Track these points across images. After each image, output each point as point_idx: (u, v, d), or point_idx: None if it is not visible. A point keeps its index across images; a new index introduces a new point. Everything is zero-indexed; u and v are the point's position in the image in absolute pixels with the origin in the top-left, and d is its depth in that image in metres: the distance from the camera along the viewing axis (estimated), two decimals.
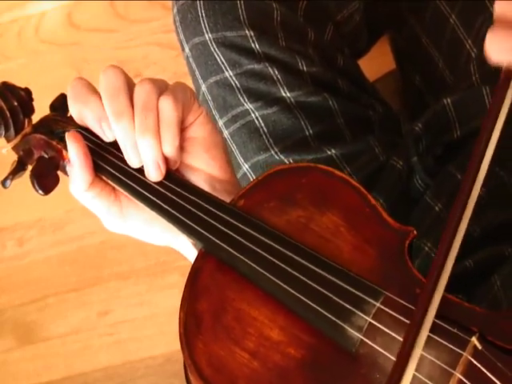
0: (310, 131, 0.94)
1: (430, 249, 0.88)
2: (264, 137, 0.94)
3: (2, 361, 1.61)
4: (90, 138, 0.72)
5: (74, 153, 0.70)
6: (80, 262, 1.64)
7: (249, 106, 0.93)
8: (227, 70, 0.92)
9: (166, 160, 0.69)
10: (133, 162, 0.69)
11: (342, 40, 1.00)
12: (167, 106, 0.68)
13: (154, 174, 0.69)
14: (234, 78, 0.92)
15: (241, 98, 0.93)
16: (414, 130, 0.96)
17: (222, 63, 0.92)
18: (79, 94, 0.70)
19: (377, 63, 1.21)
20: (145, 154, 0.68)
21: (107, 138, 0.70)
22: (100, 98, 0.69)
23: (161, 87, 0.69)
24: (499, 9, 0.59)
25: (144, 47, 1.66)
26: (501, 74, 0.61)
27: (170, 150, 0.68)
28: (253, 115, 0.93)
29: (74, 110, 0.71)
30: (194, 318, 0.63)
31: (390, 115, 1.02)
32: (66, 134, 0.70)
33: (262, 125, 0.94)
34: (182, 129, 0.71)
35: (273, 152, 0.93)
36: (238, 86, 0.93)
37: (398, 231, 0.65)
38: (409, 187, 0.95)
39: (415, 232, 0.64)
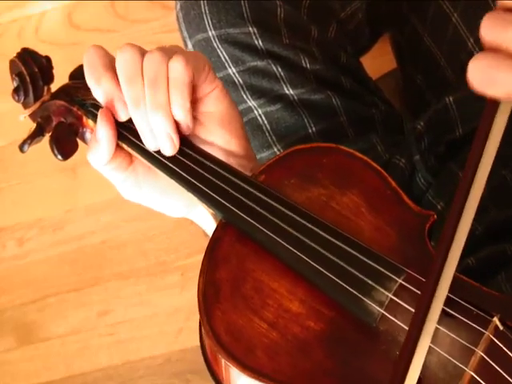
0: (313, 129, 0.94)
1: (433, 247, 0.88)
2: (267, 134, 0.94)
3: (2, 361, 1.60)
4: None
5: (104, 133, 0.68)
6: (80, 261, 1.64)
7: (252, 103, 0.93)
8: (230, 67, 0.92)
9: (178, 126, 0.68)
10: (151, 145, 0.69)
11: (345, 38, 1.00)
12: (177, 66, 0.66)
13: (168, 149, 0.68)
14: (237, 75, 0.92)
15: (244, 95, 0.93)
16: (416, 129, 0.96)
17: (225, 60, 0.92)
18: (93, 69, 0.69)
19: (378, 62, 1.21)
20: (157, 129, 0.67)
21: (120, 117, 0.69)
22: (114, 74, 0.68)
23: (171, 53, 0.68)
24: (486, 36, 0.58)
25: (144, 47, 1.65)
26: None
27: (180, 112, 0.67)
28: (256, 112, 0.93)
29: (90, 86, 0.70)
30: (212, 286, 0.63)
31: (392, 114, 1.02)
32: (99, 112, 0.69)
33: (265, 122, 0.94)
34: (197, 99, 0.70)
35: (276, 149, 0.94)
36: (241, 82, 0.93)
37: (418, 215, 0.65)
38: (411, 186, 0.95)
39: (435, 216, 0.65)
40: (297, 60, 0.93)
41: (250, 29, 0.91)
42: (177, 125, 0.68)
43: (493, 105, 0.57)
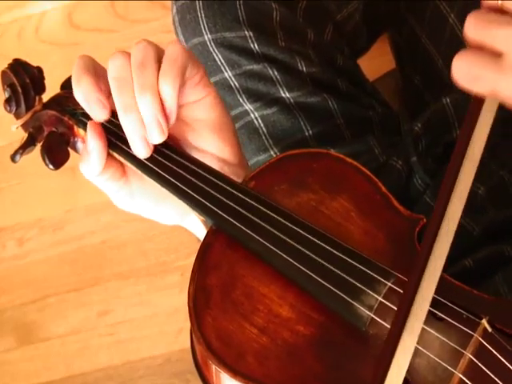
0: (310, 132, 0.94)
1: None
2: (263, 137, 0.94)
3: (2, 361, 1.60)
4: None
5: (94, 145, 0.69)
6: (80, 262, 1.64)
7: (248, 106, 0.93)
8: (226, 71, 0.92)
9: (172, 136, 0.68)
10: (140, 153, 0.68)
11: (341, 40, 1.00)
12: (174, 46, 0.66)
13: (155, 134, 0.66)
14: (233, 79, 0.92)
15: (240, 99, 0.93)
16: (413, 130, 0.96)
17: (222, 64, 0.92)
18: (75, 73, 0.69)
19: (376, 63, 1.21)
20: (145, 113, 0.66)
21: (98, 117, 0.68)
22: (94, 76, 0.68)
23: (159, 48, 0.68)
24: (470, 34, 0.58)
25: None
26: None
27: (169, 91, 0.66)
28: (252, 116, 0.93)
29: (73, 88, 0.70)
30: (203, 293, 0.63)
31: (389, 115, 1.02)
32: (88, 124, 0.69)
33: (262, 125, 0.94)
34: (190, 103, 0.69)
35: (272, 152, 0.94)
36: (238, 86, 0.93)
37: (408, 219, 0.66)
38: (408, 187, 0.95)
39: (425, 220, 0.65)
40: (293, 63, 0.93)
41: (246, 32, 0.91)
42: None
43: (478, 102, 0.58)
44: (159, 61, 0.67)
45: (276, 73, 0.92)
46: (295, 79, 0.93)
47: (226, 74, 0.92)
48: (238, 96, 0.93)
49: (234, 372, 0.59)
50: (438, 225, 0.58)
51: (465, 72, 0.55)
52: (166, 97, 0.66)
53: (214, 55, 0.91)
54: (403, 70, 1.12)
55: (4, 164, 1.72)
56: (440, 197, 0.59)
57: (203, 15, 0.91)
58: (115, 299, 1.60)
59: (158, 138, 0.67)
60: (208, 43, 0.91)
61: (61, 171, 1.76)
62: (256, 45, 0.91)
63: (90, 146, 0.69)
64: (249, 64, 0.91)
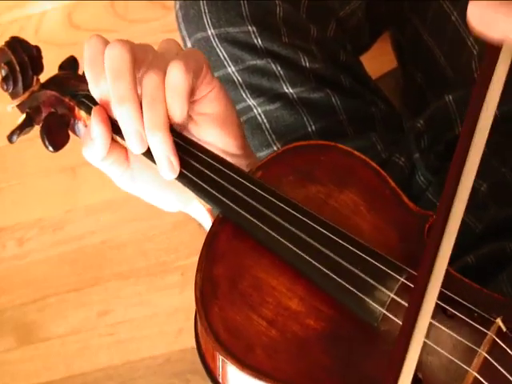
0: (313, 127, 0.94)
1: None
2: (266, 133, 0.94)
3: (2, 361, 1.60)
4: None
5: (99, 131, 0.67)
6: (80, 262, 1.64)
7: (251, 101, 0.93)
8: (230, 66, 0.92)
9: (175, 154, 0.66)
10: (135, 149, 0.65)
11: (344, 36, 1.00)
12: (176, 73, 0.64)
13: (166, 171, 0.66)
14: (236, 74, 0.92)
15: (243, 94, 0.93)
16: (415, 127, 0.96)
17: (225, 59, 0.92)
18: (94, 65, 0.66)
19: (378, 62, 1.21)
20: (155, 151, 0.65)
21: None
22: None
23: (169, 58, 0.65)
24: None
25: None
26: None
27: (177, 119, 0.65)
28: (255, 111, 0.93)
29: (89, 82, 0.67)
30: (210, 283, 0.62)
31: (392, 112, 1.02)
32: (93, 110, 0.67)
33: (265, 121, 0.94)
34: (195, 100, 0.68)
35: (275, 148, 0.93)
36: (241, 81, 0.92)
37: (417, 215, 0.65)
38: (411, 184, 0.95)
39: (435, 216, 0.63)
40: (296, 59, 0.93)
41: (250, 28, 0.91)
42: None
43: (493, 52, 0.57)
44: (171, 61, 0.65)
45: (279, 68, 0.92)
46: (298, 75, 0.93)
47: (229, 70, 0.92)
48: (241, 91, 0.93)
49: (242, 364, 0.58)
50: (446, 218, 0.57)
51: (479, 14, 0.55)
52: (176, 122, 0.65)
53: (218, 50, 0.91)
54: (405, 68, 1.13)
55: (4, 164, 1.72)
56: (449, 180, 0.57)
57: (207, 10, 0.91)
58: (115, 299, 1.60)
59: (170, 176, 0.66)
60: (211, 38, 0.91)
61: (61, 171, 1.77)
62: (259, 40, 0.91)
63: (95, 133, 0.67)
64: (252, 59, 0.91)
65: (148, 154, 0.67)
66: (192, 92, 0.66)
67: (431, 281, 0.57)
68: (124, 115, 0.64)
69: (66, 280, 1.63)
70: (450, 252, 0.57)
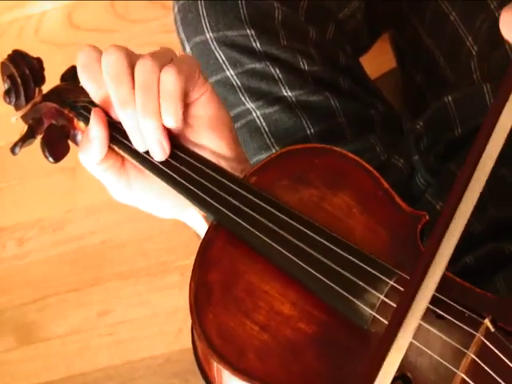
0: (312, 130, 0.94)
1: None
2: (265, 136, 0.94)
3: (2, 361, 1.60)
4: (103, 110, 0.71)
5: (97, 133, 0.68)
6: (80, 262, 1.64)
7: (250, 105, 0.93)
8: (228, 70, 0.92)
9: (169, 131, 0.68)
10: (140, 147, 0.69)
11: (343, 38, 1.00)
12: (169, 78, 0.66)
13: (158, 154, 0.68)
14: (235, 78, 0.92)
15: (242, 98, 0.93)
16: (415, 129, 0.96)
17: (223, 62, 0.92)
18: (89, 73, 0.69)
19: (377, 62, 1.21)
20: (147, 135, 0.67)
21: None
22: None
23: (163, 60, 0.68)
24: None
25: (144, 47, 1.65)
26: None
27: (172, 123, 0.67)
28: (254, 114, 0.93)
29: (87, 88, 0.70)
30: (204, 289, 0.63)
31: (391, 114, 1.02)
32: (92, 112, 0.69)
33: (264, 124, 0.94)
34: (187, 104, 0.70)
35: (274, 151, 0.93)
36: (239, 85, 0.92)
37: (410, 215, 0.65)
38: (410, 185, 0.95)
39: (427, 217, 0.64)
40: (295, 62, 0.93)
41: (248, 31, 0.91)
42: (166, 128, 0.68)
43: None
44: (163, 66, 0.67)
45: (278, 71, 0.92)
46: (297, 78, 0.93)
47: (227, 73, 0.92)
48: (240, 95, 0.93)
49: (234, 369, 0.59)
50: (448, 223, 0.57)
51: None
52: (170, 126, 0.68)
53: (216, 54, 0.91)
54: (404, 68, 1.12)
55: (4, 164, 1.72)
56: (453, 193, 0.58)
57: (205, 14, 0.91)
58: (115, 299, 1.60)
59: (160, 158, 0.69)
60: (210, 42, 0.91)
61: (61, 171, 1.77)
62: (258, 43, 0.91)
63: (93, 133, 0.68)
64: (251, 63, 0.91)
65: (140, 160, 0.69)
66: (185, 95, 0.68)
67: (424, 283, 0.57)
68: (128, 117, 0.67)
69: (66, 280, 1.63)
70: (448, 257, 0.58)
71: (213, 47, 0.91)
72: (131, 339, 1.57)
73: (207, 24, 0.91)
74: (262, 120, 0.93)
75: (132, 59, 0.68)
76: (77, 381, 1.57)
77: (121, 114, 0.67)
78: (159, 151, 0.68)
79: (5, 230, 1.70)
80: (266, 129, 0.94)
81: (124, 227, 1.64)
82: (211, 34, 0.91)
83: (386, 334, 0.56)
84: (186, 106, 0.70)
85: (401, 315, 0.56)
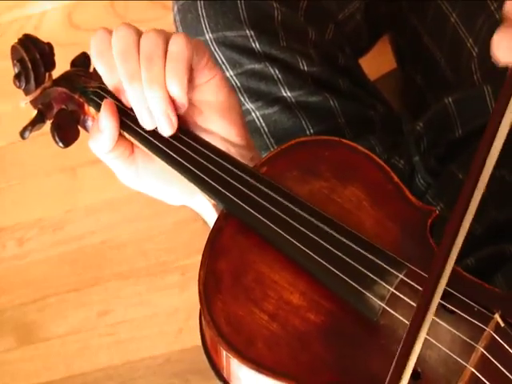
0: (311, 131, 0.94)
1: (435, 243, 0.88)
2: (265, 136, 0.94)
3: (2, 361, 1.60)
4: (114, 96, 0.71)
5: (107, 124, 0.69)
6: (80, 262, 1.64)
7: (249, 105, 0.93)
8: (228, 70, 0.92)
9: (179, 117, 0.68)
10: (146, 124, 0.68)
11: (342, 39, 1.00)
12: (177, 41, 0.66)
13: (165, 128, 0.68)
14: (234, 78, 0.92)
15: (241, 98, 0.93)
16: (415, 130, 0.96)
17: (223, 63, 0.92)
18: (102, 56, 0.69)
19: (377, 63, 1.21)
20: (154, 108, 0.67)
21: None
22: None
23: (169, 34, 0.68)
24: (509, 8, 0.58)
25: None
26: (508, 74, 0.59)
27: (177, 91, 0.67)
28: (253, 115, 0.93)
29: (101, 72, 0.70)
30: (213, 277, 0.63)
31: (391, 115, 1.02)
32: (103, 103, 0.69)
33: (263, 125, 0.94)
34: (196, 86, 0.70)
35: None
36: (239, 85, 0.92)
37: (420, 210, 0.65)
38: (410, 187, 0.95)
39: (437, 212, 0.64)
40: (294, 62, 0.93)
41: (248, 32, 0.91)
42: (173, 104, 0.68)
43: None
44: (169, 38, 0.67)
45: (277, 72, 0.92)
46: (296, 78, 0.93)
47: (227, 74, 0.92)
48: (240, 95, 0.93)
49: (243, 357, 0.59)
50: (461, 220, 0.57)
51: (507, 44, 0.55)
52: (174, 95, 0.67)
53: (216, 54, 0.91)
54: (404, 69, 1.12)
55: (4, 164, 1.72)
56: (464, 189, 0.58)
57: (204, 14, 0.91)
58: (115, 299, 1.60)
59: (168, 131, 0.68)
60: (209, 42, 0.91)
61: (61, 171, 1.77)
62: (257, 44, 0.91)
63: (103, 124, 0.69)
64: (250, 63, 0.91)
65: (152, 147, 0.69)
66: (194, 73, 0.68)
67: (440, 281, 0.57)
68: (135, 92, 0.67)
69: (66, 280, 1.63)
70: (457, 253, 0.58)
71: (212, 48, 0.91)
72: (131, 339, 1.57)
73: (206, 24, 0.91)
74: (262, 120, 0.94)
75: (141, 35, 0.68)
76: (77, 381, 1.56)
77: (129, 91, 0.67)
78: (166, 124, 0.68)
79: (5, 230, 1.70)
80: (266, 129, 0.94)
81: (124, 227, 1.64)
82: (210, 35, 0.91)
83: (410, 330, 0.56)
84: (196, 87, 0.70)
85: (423, 312, 0.56)
